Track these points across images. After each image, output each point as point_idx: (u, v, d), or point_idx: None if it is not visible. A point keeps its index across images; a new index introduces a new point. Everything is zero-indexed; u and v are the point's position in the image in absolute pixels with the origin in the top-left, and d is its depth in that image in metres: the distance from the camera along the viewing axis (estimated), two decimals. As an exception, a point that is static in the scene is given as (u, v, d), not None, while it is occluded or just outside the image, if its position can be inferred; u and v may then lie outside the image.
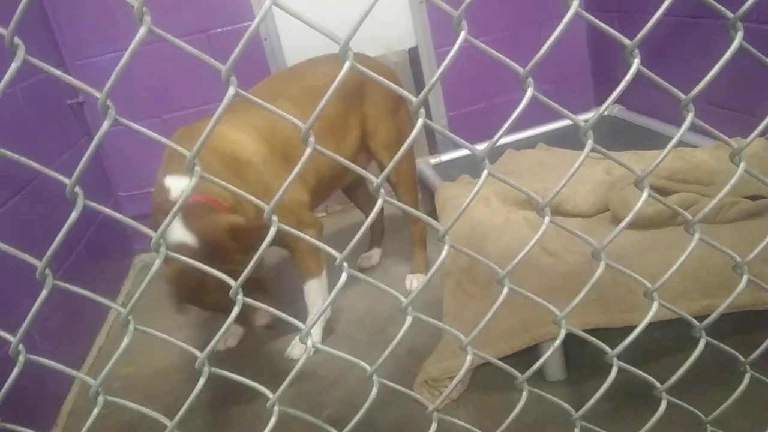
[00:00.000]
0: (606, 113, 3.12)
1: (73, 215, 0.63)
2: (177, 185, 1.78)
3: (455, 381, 0.87)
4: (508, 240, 1.96)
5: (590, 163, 2.40)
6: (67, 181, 0.64)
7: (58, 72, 0.63)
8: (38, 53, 0.60)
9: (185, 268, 1.52)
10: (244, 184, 1.86)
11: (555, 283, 1.66)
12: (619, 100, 3.15)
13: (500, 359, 1.31)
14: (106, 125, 0.61)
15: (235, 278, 1.69)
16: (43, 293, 0.67)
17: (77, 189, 0.64)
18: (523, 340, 1.66)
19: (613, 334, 1.34)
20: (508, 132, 0.69)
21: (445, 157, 3.04)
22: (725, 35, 0.74)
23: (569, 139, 2.81)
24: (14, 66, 0.61)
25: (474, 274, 1.98)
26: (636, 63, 0.69)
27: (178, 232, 1.66)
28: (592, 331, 0.95)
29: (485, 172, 0.71)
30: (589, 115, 0.74)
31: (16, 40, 0.60)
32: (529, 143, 2.90)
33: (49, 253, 0.65)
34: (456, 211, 0.74)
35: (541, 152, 2.80)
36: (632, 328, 0.87)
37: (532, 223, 2.10)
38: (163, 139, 0.64)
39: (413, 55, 3.18)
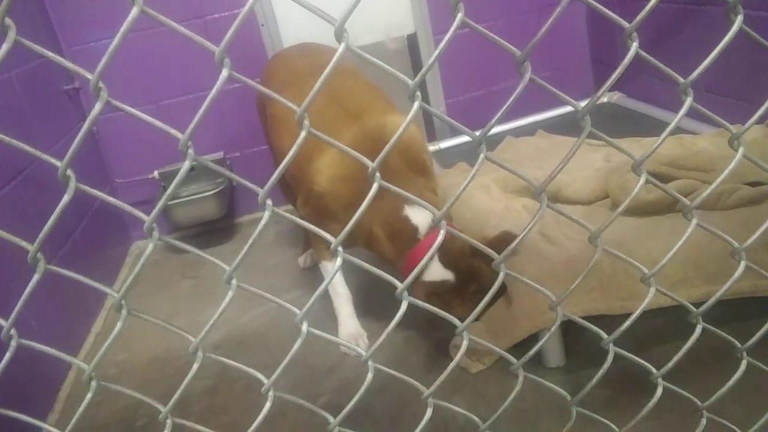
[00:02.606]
0: (605, 100, 3.11)
1: (65, 198, 0.63)
2: (422, 220, 1.76)
3: (449, 369, 0.86)
4: (508, 226, 1.95)
5: (589, 151, 2.40)
6: (59, 164, 0.63)
7: (49, 53, 0.62)
8: (34, 38, 0.59)
9: (437, 291, 1.68)
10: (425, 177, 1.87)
11: (555, 271, 1.66)
12: (618, 87, 3.14)
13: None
14: (98, 107, 0.60)
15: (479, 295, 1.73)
16: (35, 277, 0.66)
17: (69, 171, 0.63)
18: (526, 329, 1.67)
19: (612, 322, 1.34)
20: (507, 119, 0.69)
21: (444, 144, 3.03)
22: (725, 23, 0.74)
23: (568, 126, 2.80)
24: (5, 47, 0.60)
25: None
26: (634, 46, 0.69)
27: (438, 271, 1.71)
28: (592, 319, 0.95)
29: (482, 156, 0.70)
30: (587, 102, 0.73)
31: (8, 21, 0.59)
32: (529, 130, 2.89)
33: (40, 236, 0.64)
34: (458, 199, 0.73)
35: (541, 139, 2.79)
36: (632, 315, 0.87)
37: (532, 210, 2.09)
38: (157, 122, 0.63)
39: (412, 41, 3.16)
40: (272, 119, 2.15)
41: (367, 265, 0.77)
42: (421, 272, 1.69)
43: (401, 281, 0.76)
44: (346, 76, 2.00)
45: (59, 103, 2.69)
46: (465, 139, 3.00)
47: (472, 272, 1.70)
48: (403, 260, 1.76)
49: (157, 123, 0.64)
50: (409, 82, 0.66)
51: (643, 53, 0.69)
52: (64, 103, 2.73)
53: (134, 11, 0.58)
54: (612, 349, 0.89)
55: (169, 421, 0.79)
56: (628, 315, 0.87)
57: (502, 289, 1.75)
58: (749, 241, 0.87)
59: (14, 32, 0.59)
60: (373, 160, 0.68)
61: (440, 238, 0.74)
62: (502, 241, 1.69)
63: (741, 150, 0.79)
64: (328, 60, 0.62)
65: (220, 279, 0.74)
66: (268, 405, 0.78)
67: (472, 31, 0.69)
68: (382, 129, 1.79)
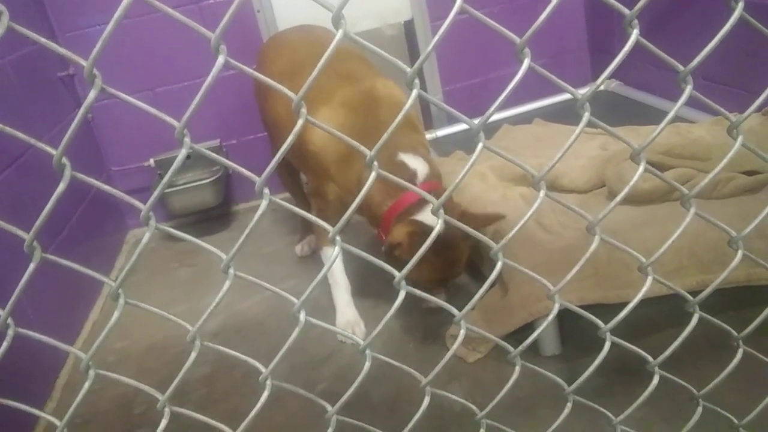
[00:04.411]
0: (603, 88, 3.10)
1: (61, 186, 0.62)
2: (420, 168, 1.78)
3: (447, 356, 0.86)
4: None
5: (586, 139, 2.39)
6: (54, 152, 0.62)
7: (42, 39, 0.61)
8: (27, 24, 0.59)
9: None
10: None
11: (551, 259, 1.66)
12: (616, 75, 3.13)
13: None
14: (92, 94, 0.60)
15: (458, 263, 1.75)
16: (31, 266, 0.65)
17: (64, 160, 0.62)
18: (522, 317, 1.67)
19: (608, 310, 1.34)
20: (504, 107, 0.68)
21: (441, 132, 3.03)
22: (724, 12, 0.73)
23: (566, 115, 2.80)
24: (-2, 33, 0.59)
25: (480, 249, 2.00)
26: (635, 33, 0.68)
27: (428, 217, 1.70)
28: (588, 308, 0.95)
29: (480, 145, 0.70)
30: (586, 90, 0.72)
31: (0, 6, 0.58)
32: (526, 118, 2.89)
33: (36, 225, 0.64)
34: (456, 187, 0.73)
35: (538, 127, 2.79)
36: (627, 304, 0.87)
37: (528, 199, 2.09)
38: (152, 110, 0.63)
39: (408, 28, 3.14)
40: (270, 95, 2.17)
41: (365, 254, 0.77)
42: (412, 213, 1.74)
43: (383, 228, 0.75)
44: (339, 49, 2.03)
45: (53, 90, 2.67)
46: (461, 127, 2.99)
47: (453, 241, 1.71)
48: (392, 201, 1.75)
49: (153, 110, 0.64)
50: (408, 69, 0.66)
51: (644, 41, 0.69)
52: (58, 89, 2.71)
53: (129, -4, 0.57)
54: (609, 338, 0.89)
55: (167, 410, 0.79)
56: (622, 303, 0.87)
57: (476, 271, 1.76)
58: (747, 230, 0.87)
59: (7, 17, 0.58)
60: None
61: (438, 227, 0.73)
62: (489, 218, 1.73)
63: (740, 139, 0.79)
64: (328, 47, 0.62)
65: (217, 267, 0.73)
66: (266, 394, 0.78)
67: (469, 18, 0.68)
68: (372, 87, 1.87)
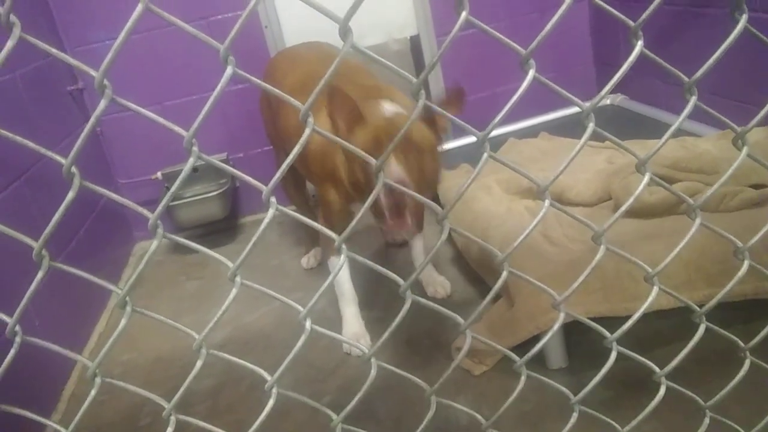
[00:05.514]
0: (608, 102, 3.11)
1: (70, 195, 0.63)
2: (390, 107, 1.86)
3: (452, 365, 0.86)
4: (510, 227, 1.96)
5: (592, 152, 2.40)
6: (63, 161, 0.63)
7: (53, 50, 0.62)
8: (36, 37, 0.60)
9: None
10: None
11: (557, 272, 1.66)
12: (621, 89, 3.13)
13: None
14: (102, 104, 0.60)
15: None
16: (39, 274, 0.66)
17: (74, 169, 0.63)
18: (528, 330, 1.66)
19: (615, 323, 1.33)
20: (509, 120, 0.69)
21: (447, 146, 3.02)
22: (728, 25, 0.73)
23: (571, 128, 2.79)
24: (10, 44, 0.60)
25: (486, 262, 2.01)
26: (639, 45, 0.69)
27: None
28: (595, 321, 0.95)
29: (485, 156, 0.70)
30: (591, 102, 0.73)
31: (12, 18, 0.59)
32: (532, 132, 2.89)
33: (45, 232, 0.65)
34: (460, 199, 0.74)
35: (544, 141, 2.79)
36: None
37: (534, 212, 2.09)
38: (160, 119, 0.64)
39: (415, 43, 3.17)
40: (282, 106, 2.19)
41: (370, 263, 0.77)
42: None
43: None
44: (350, 63, 2.11)
45: (63, 103, 2.70)
46: (468, 140, 3.00)
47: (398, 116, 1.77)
48: None
49: (161, 120, 0.65)
50: (413, 79, 0.66)
51: (648, 52, 0.69)
52: (67, 103, 2.74)
53: (139, 8, 0.58)
54: (615, 347, 0.89)
55: (172, 418, 0.79)
56: (630, 316, 0.87)
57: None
58: (753, 240, 0.87)
59: (19, 29, 0.59)
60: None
61: (444, 235, 0.74)
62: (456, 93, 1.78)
63: (745, 149, 0.79)
64: (343, 65, 0.62)
65: (224, 280, 0.74)
66: (271, 402, 0.78)
67: (475, 33, 0.69)
68: (379, 92, 1.94)
